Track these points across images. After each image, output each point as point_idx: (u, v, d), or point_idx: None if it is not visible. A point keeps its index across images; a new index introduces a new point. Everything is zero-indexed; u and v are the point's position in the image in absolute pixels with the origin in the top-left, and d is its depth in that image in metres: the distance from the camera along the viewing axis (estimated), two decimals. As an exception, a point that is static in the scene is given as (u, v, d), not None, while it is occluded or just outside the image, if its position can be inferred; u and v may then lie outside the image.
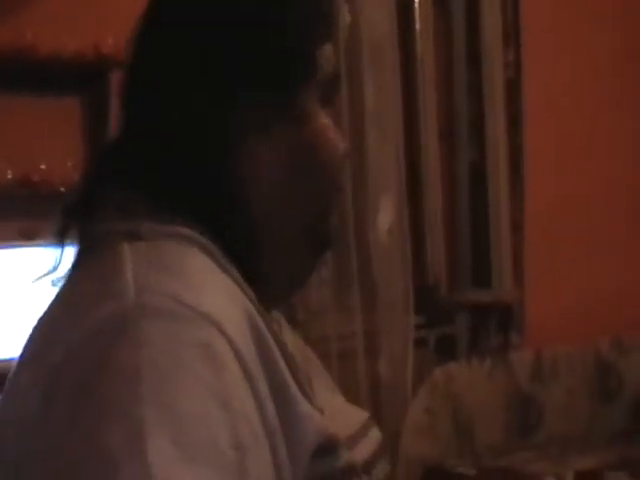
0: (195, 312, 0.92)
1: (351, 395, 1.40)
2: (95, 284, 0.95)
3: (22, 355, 0.96)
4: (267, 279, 1.05)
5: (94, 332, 0.90)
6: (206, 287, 0.95)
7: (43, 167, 2.81)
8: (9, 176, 2.78)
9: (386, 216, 3.38)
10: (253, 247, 1.05)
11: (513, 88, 3.70)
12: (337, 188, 1.05)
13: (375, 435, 1.21)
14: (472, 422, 3.37)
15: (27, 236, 2.71)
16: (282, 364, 0.96)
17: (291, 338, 1.17)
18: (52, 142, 2.91)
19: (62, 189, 2.76)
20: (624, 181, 3.99)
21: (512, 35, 3.70)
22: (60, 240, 1.05)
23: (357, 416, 1.20)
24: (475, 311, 3.57)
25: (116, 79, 2.86)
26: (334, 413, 1.14)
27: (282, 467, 0.92)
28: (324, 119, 1.05)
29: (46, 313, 0.98)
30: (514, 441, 3.42)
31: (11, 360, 0.99)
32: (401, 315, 3.38)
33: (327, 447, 0.97)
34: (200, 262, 0.98)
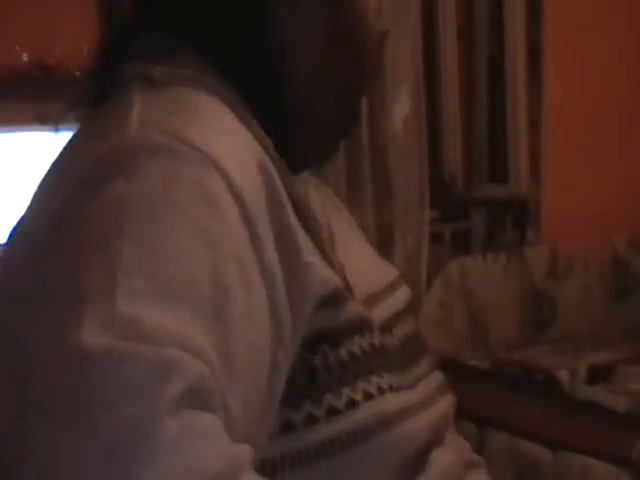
0: (196, 150, 0.90)
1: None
2: (102, 125, 0.95)
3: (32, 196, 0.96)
4: (292, 145, 1.04)
5: (94, 165, 0.89)
6: (212, 127, 0.94)
7: (59, 51, 2.78)
8: (24, 59, 2.76)
9: (402, 108, 3.33)
10: (282, 111, 1.03)
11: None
12: (372, 70, 1.03)
13: (402, 294, 1.21)
14: (486, 316, 3.38)
15: (42, 120, 2.69)
16: (292, 215, 0.95)
17: (318, 196, 1.16)
18: (68, 26, 2.87)
19: (77, 73, 2.73)
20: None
21: None
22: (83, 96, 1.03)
23: (385, 274, 1.21)
24: (491, 207, 3.55)
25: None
26: (361, 269, 1.13)
27: (281, 316, 0.91)
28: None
29: (55, 160, 0.98)
30: (528, 336, 3.43)
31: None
32: (416, 209, 3.35)
33: (333, 299, 0.97)
34: (212, 105, 0.97)
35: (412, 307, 1.26)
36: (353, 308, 0.99)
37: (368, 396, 0.98)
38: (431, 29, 3.52)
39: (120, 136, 0.91)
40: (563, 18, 3.67)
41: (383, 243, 3.30)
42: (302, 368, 0.95)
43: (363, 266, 1.18)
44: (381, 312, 1.13)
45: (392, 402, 1.01)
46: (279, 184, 0.94)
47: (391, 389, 1.02)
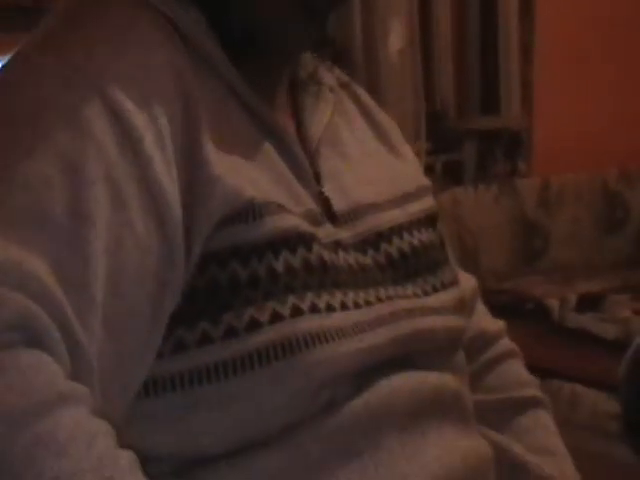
0: (76, 71, 0.89)
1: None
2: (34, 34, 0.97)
3: None
4: (258, 37, 1.02)
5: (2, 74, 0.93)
6: (109, 45, 0.92)
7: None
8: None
9: (396, 38, 3.31)
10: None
11: None
12: None
13: (417, 207, 1.16)
14: (477, 247, 3.38)
15: None
16: (206, 128, 0.92)
17: (325, 103, 1.13)
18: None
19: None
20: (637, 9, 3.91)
21: None
22: None
23: (400, 185, 1.16)
24: (483, 137, 3.54)
25: None
26: (365, 178, 1.10)
27: (171, 234, 0.89)
28: None
29: None
30: (519, 266, 3.44)
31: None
32: (412, 140, 3.34)
33: (247, 213, 0.92)
34: (124, 19, 0.95)
35: (430, 220, 1.15)
36: (280, 222, 0.93)
37: (276, 317, 0.91)
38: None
39: (20, 53, 0.95)
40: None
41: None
42: (204, 285, 0.90)
43: (372, 175, 1.13)
44: (373, 223, 1.07)
45: (307, 324, 0.92)
46: (200, 102, 0.92)
47: (314, 309, 0.93)
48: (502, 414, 1.22)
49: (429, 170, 3.45)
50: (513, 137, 3.57)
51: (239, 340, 0.90)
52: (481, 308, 1.31)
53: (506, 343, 1.28)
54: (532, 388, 1.25)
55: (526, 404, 1.23)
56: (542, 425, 1.23)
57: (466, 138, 3.53)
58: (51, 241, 0.82)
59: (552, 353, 2.95)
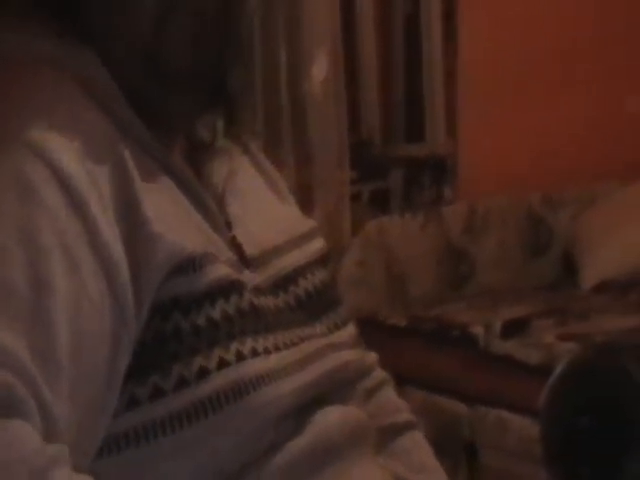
0: (15, 138, 0.90)
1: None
2: None
3: None
4: (157, 109, 1.04)
5: None
6: (41, 115, 0.93)
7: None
8: None
9: (321, 67, 3.34)
10: (138, 72, 1.02)
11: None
12: (238, 41, 1.01)
13: (314, 247, 1.20)
14: (405, 274, 3.42)
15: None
16: (140, 187, 0.95)
17: (221, 156, 1.16)
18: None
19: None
20: (562, 32, 3.97)
21: None
22: None
23: (297, 226, 1.20)
24: (409, 165, 3.58)
25: None
26: (267, 222, 1.13)
27: (122, 294, 0.91)
28: None
29: None
30: (446, 293, 3.48)
31: None
32: (336, 169, 3.38)
33: (187, 266, 0.95)
34: (48, 90, 0.97)
35: (325, 260, 1.22)
36: (216, 272, 0.97)
37: (223, 364, 0.95)
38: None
39: None
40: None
41: (303, 203, 3.30)
42: (151, 339, 0.93)
43: (270, 219, 1.17)
44: (280, 266, 1.11)
45: (252, 368, 0.96)
46: (129, 160, 0.95)
47: (255, 353, 0.97)
48: (383, 438, 1.26)
49: (356, 198, 3.48)
50: (439, 164, 3.61)
51: (190, 389, 0.93)
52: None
53: (380, 373, 1.33)
54: (406, 412, 1.30)
55: (404, 427, 1.28)
56: (419, 445, 1.29)
57: (392, 166, 3.56)
58: (17, 314, 0.85)
59: (478, 379, 3.00)
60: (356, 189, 3.49)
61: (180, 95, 1.03)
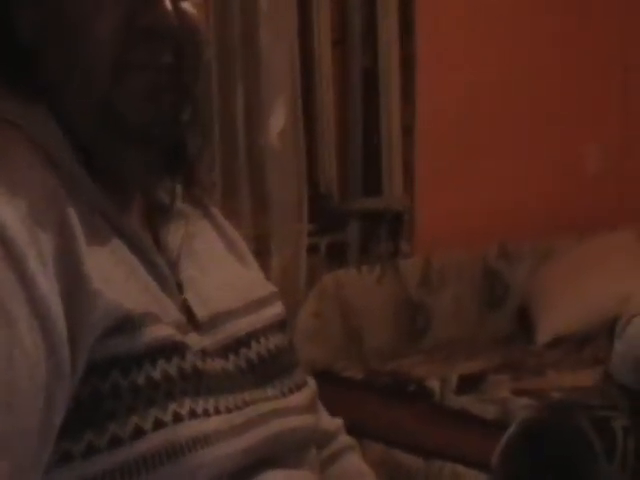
0: None
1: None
2: None
3: None
4: (111, 169, 1.05)
5: None
6: None
7: None
8: None
9: (279, 120, 3.36)
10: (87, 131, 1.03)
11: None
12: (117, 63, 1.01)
13: (270, 312, 1.20)
14: (361, 327, 3.42)
15: None
16: (83, 245, 0.95)
17: (178, 218, 1.16)
18: None
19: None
20: (517, 89, 4.02)
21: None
22: None
23: (254, 291, 1.20)
24: (366, 218, 3.59)
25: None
26: (223, 286, 1.13)
27: (58, 348, 0.91)
28: None
29: None
30: (402, 346, 3.48)
31: None
32: (294, 221, 3.38)
33: (125, 325, 0.95)
34: (5, 154, 0.98)
35: (282, 325, 1.22)
36: (157, 333, 0.97)
37: (159, 424, 0.94)
38: (306, 42, 3.55)
39: None
40: (434, 29, 3.74)
41: (260, 254, 3.31)
42: (88, 395, 0.93)
43: (227, 283, 1.17)
44: (233, 329, 1.12)
45: (189, 430, 0.96)
46: (73, 219, 0.95)
47: (193, 415, 0.97)
48: None
49: (313, 251, 3.49)
50: (396, 217, 3.63)
51: (124, 448, 0.93)
52: (320, 408, 1.36)
53: (345, 439, 1.33)
54: (370, 476, 1.30)
55: None
56: None
57: (349, 219, 3.57)
58: None
59: (434, 433, 2.99)
60: (313, 241, 3.49)
61: (136, 152, 1.03)
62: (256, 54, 3.35)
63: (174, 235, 1.13)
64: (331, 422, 1.35)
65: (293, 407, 1.13)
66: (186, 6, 1.03)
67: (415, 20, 3.70)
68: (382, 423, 3.09)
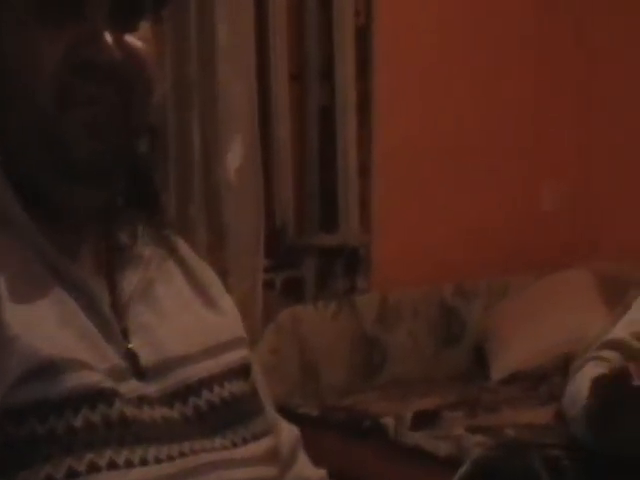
0: None
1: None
2: None
3: None
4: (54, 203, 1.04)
5: None
6: None
7: None
8: None
9: (236, 156, 3.36)
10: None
11: (363, 34, 3.72)
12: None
13: (232, 357, 1.16)
14: (317, 363, 3.41)
15: None
16: (4, 290, 0.94)
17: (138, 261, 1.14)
18: None
19: None
20: (472, 126, 4.05)
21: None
22: None
23: (213, 336, 1.17)
24: (322, 254, 3.60)
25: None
26: (180, 330, 1.10)
27: None
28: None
29: None
30: (358, 382, 3.48)
31: None
32: (250, 257, 3.37)
33: (45, 371, 0.93)
34: None
35: (244, 371, 1.18)
36: (80, 380, 0.95)
37: (72, 474, 0.91)
38: (264, 78, 3.56)
39: None
40: (392, 67, 3.76)
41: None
42: (2, 442, 0.90)
43: (185, 328, 1.13)
44: (183, 376, 1.08)
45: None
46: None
47: (113, 466, 0.94)
48: None
49: (270, 287, 3.48)
50: (352, 254, 3.64)
51: None
52: (303, 457, 1.32)
53: None
54: None
55: None
56: None
57: (306, 255, 3.58)
58: None
59: (389, 470, 2.99)
60: (270, 277, 3.49)
61: (86, 190, 1.02)
62: (214, 89, 3.36)
63: (130, 279, 1.11)
64: (314, 472, 1.31)
65: (246, 458, 1.08)
66: (131, 41, 1.00)
67: (373, 58, 3.73)
68: (338, 459, 3.06)
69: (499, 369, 3.60)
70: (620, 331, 2.02)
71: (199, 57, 3.33)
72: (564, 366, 2.83)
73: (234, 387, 1.12)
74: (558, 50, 4.30)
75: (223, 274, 3.36)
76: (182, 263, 1.20)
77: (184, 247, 1.23)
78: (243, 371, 1.16)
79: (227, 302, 1.22)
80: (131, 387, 1.01)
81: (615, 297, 3.73)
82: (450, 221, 3.96)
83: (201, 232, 3.33)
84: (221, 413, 1.09)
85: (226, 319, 1.21)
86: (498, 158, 4.12)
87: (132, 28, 1.01)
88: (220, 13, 3.36)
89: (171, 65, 3.27)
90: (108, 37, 0.98)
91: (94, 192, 1.03)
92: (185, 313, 1.15)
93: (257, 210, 3.41)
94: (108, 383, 0.97)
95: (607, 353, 1.99)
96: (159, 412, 1.02)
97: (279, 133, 3.59)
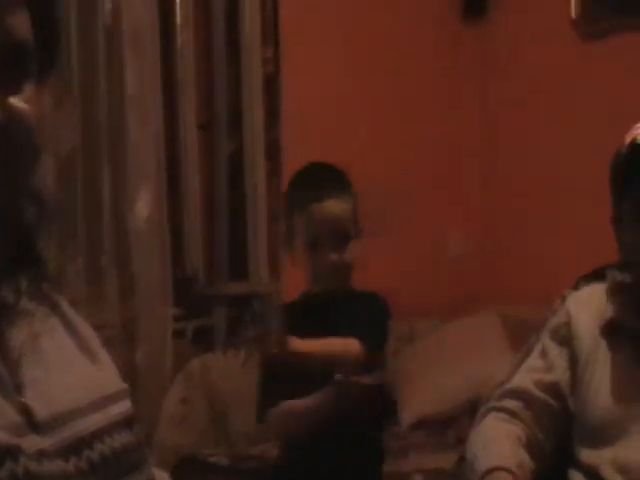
0: None
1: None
2: None
3: None
4: None
5: None
6: None
7: None
8: None
9: (145, 205, 3.36)
10: None
11: (271, 83, 3.76)
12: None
13: (117, 410, 1.18)
14: (227, 412, 3.40)
15: None
16: None
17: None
18: None
19: None
20: (380, 172, 4.10)
21: (271, 32, 3.76)
22: None
23: (99, 388, 1.18)
24: (232, 303, 3.60)
25: None
26: (67, 384, 1.12)
27: None
28: None
29: None
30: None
31: None
32: (160, 306, 3.37)
33: None
34: None
35: (130, 422, 1.20)
36: None
37: None
38: (172, 126, 3.57)
39: None
40: (299, 114, 3.80)
41: (126, 339, 3.29)
42: None
43: (73, 382, 1.14)
44: (76, 429, 1.09)
45: None
46: None
47: None
48: None
49: (179, 336, 3.47)
50: (261, 302, 3.64)
51: None
52: None
53: None
54: None
55: None
56: None
57: (216, 303, 3.58)
58: None
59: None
60: (180, 326, 3.48)
61: None
62: (122, 136, 3.36)
63: (17, 334, 1.11)
64: None
65: None
66: (14, 102, 0.99)
67: (280, 105, 3.77)
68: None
69: (407, 414, 3.62)
70: (522, 379, 2.05)
71: (108, 103, 3.33)
72: (471, 410, 2.86)
73: (122, 438, 1.14)
74: (461, 100, 4.40)
75: (133, 325, 3.34)
76: (63, 318, 1.21)
77: (64, 303, 1.24)
78: (129, 422, 1.18)
79: (104, 356, 1.25)
80: (30, 442, 1.01)
81: (521, 340, 3.79)
82: (355, 267, 3.97)
83: (110, 284, 3.31)
84: (112, 464, 1.11)
85: (107, 372, 1.23)
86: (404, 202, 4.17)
87: (16, 90, 1.00)
88: (128, 62, 3.38)
89: (80, 110, 3.27)
90: None
91: None
92: (70, 367, 1.16)
93: (165, 259, 3.41)
94: (13, 439, 0.97)
95: (509, 402, 2.02)
96: (56, 466, 1.03)
97: (188, 181, 3.61)
